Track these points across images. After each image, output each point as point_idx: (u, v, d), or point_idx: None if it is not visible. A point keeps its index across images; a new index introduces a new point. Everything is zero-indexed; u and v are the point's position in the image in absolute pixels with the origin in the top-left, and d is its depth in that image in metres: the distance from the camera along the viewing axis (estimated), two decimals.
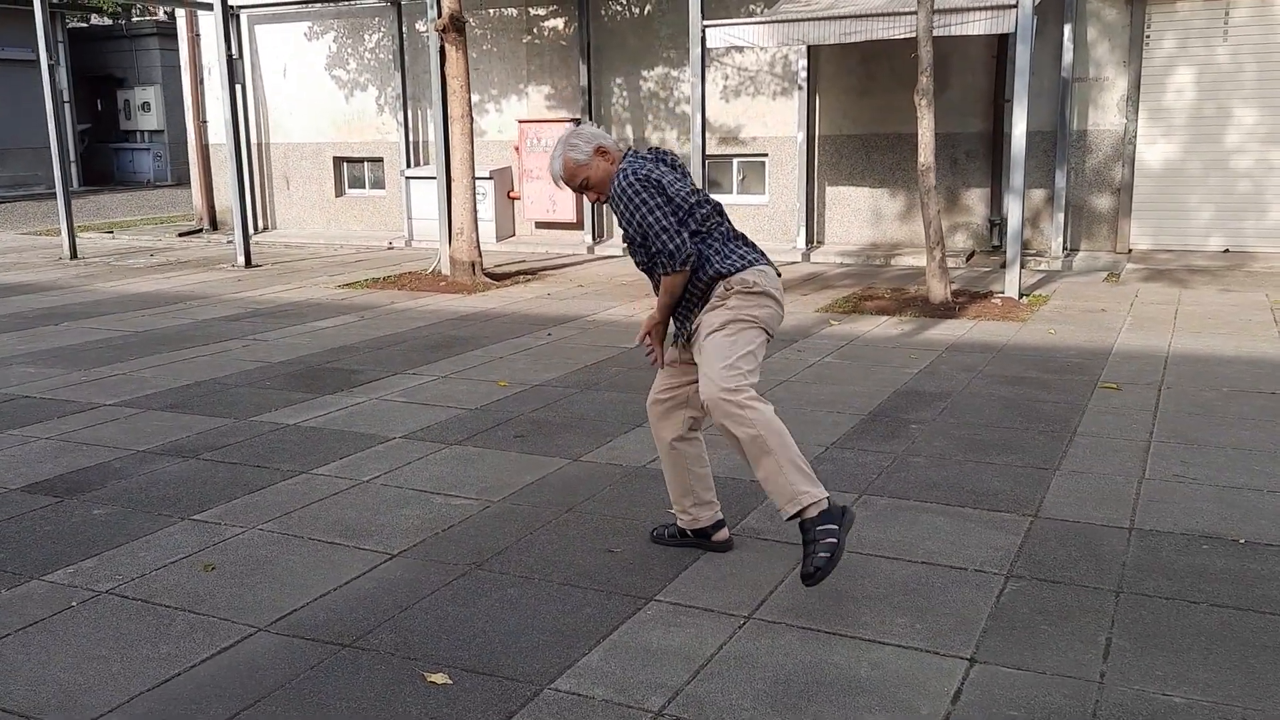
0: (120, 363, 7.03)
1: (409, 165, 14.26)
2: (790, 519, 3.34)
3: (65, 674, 2.97)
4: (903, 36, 8.90)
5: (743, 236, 3.59)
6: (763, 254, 3.56)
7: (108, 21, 27.51)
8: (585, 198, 3.66)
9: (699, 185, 3.51)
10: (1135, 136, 10.95)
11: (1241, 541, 3.78)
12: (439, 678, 2.93)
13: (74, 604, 3.41)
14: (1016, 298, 8.79)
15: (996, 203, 11.49)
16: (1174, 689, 2.81)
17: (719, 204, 3.58)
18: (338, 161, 15.11)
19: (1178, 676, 2.87)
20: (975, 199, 11.64)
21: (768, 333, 3.49)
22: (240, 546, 3.87)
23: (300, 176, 15.30)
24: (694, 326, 3.50)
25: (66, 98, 23.19)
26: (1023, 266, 9.22)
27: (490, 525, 4.08)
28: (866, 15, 8.99)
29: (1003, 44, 10.98)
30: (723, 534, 3.79)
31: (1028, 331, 7.59)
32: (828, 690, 2.85)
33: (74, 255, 12.93)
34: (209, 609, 3.37)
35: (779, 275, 3.55)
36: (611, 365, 6.81)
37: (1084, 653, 3.01)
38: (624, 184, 3.41)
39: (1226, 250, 10.70)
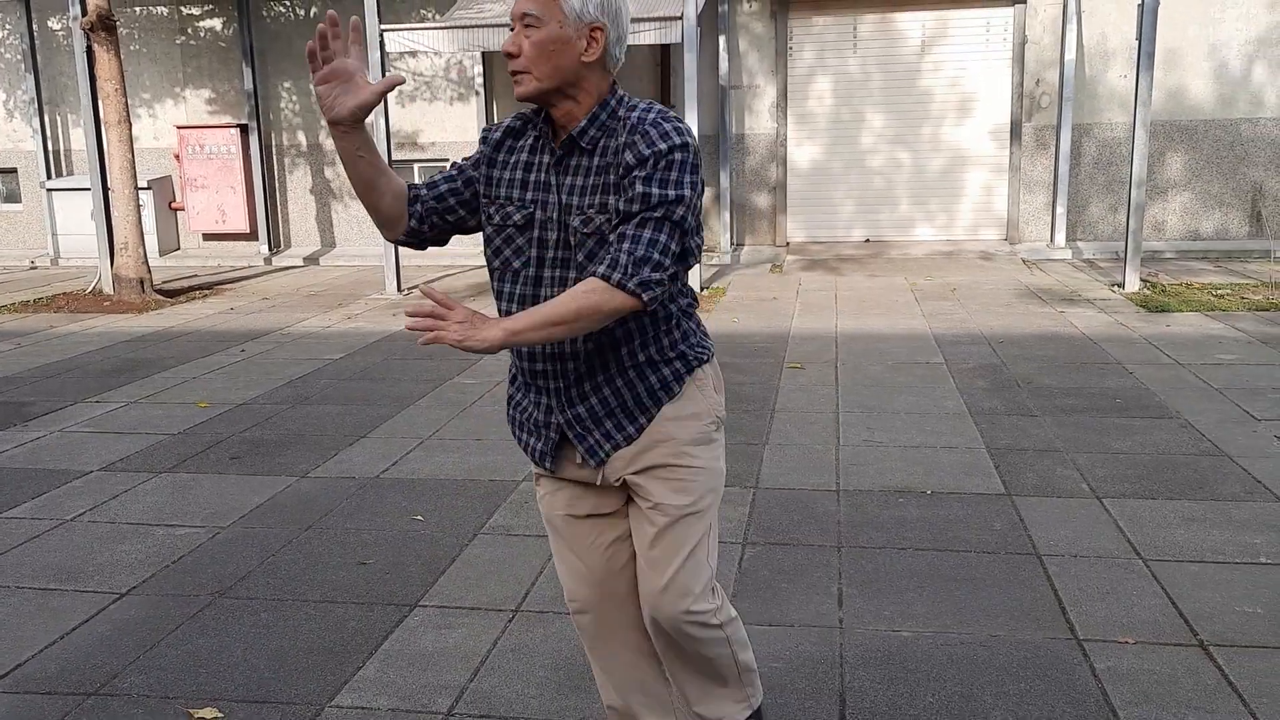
0: None
1: (50, 176, 12.95)
2: None
3: None
4: None
5: None
6: None
7: None
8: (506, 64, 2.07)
9: None
10: (786, 139, 11.98)
11: (929, 493, 4.33)
12: (208, 712, 2.78)
13: None
14: (699, 290, 9.38)
15: None
16: (901, 625, 3.20)
17: None
18: None
19: (901, 614, 3.27)
20: None
21: None
22: None
23: None
24: (610, 451, 2.14)
25: None
26: (699, 261, 9.86)
27: (225, 552, 3.88)
28: None
29: (665, 53, 11.65)
30: None
31: (716, 321, 8.14)
32: None
33: None
34: None
35: None
36: (319, 378, 6.60)
37: (821, 604, 3.36)
38: (685, 139, 2.02)
39: (868, 240, 11.96)
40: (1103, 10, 11.05)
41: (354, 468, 4.82)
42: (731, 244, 11.99)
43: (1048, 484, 4.38)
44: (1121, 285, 9.02)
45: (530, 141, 2.14)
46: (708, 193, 11.95)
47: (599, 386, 2.13)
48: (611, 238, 2.01)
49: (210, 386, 6.45)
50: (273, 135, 12.73)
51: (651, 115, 2.05)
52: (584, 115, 2.06)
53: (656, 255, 1.98)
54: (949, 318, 7.98)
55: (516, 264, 2.13)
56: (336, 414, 5.73)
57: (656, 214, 1.99)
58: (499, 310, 2.17)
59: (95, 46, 9.49)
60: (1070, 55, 10.98)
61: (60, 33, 12.79)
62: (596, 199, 2.04)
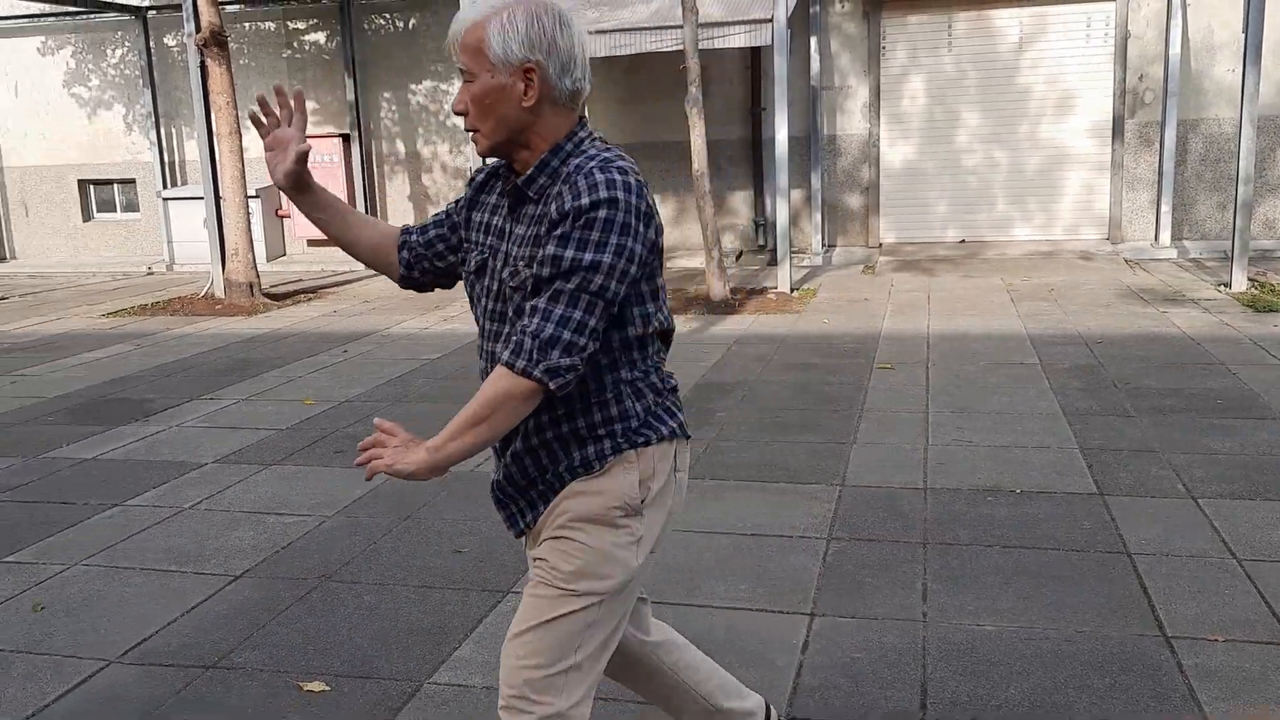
0: None
1: (166, 186, 13.56)
2: None
3: None
4: (671, 49, 9.35)
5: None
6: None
7: None
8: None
9: None
10: (879, 140, 11.91)
11: (1018, 491, 4.31)
12: (316, 686, 2.95)
13: None
14: (789, 291, 9.40)
15: (759, 204, 12.20)
16: (985, 620, 3.22)
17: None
18: (83, 184, 14.17)
19: (986, 609, 3.29)
20: (740, 201, 12.31)
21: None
22: (66, 584, 3.71)
23: (40, 201, 14.23)
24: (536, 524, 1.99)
25: None
26: (792, 263, 9.86)
27: (330, 539, 4.08)
28: (636, 29, 9.38)
29: (755, 56, 11.69)
30: None
31: (805, 322, 8.16)
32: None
33: None
34: (48, 648, 3.23)
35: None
36: (417, 377, 6.83)
37: (906, 598, 3.39)
38: (615, 194, 1.78)
39: (963, 241, 11.81)
40: (1208, 3, 10.74)
41: None
42: (823, 245, 11.96)
43: (1141, 484, 4.32)
44: (1228, 285, 8.77)
45: (501, 185, 1.99)
46: (797, 194, 11.95)
47: (519, 455, 1.94)
48: (527, 307, 1.80)
49: (316, 384, 6.72)
50: (373, 144, 13.14)
51: (591, 164, 1.81)
52: (535, 162, 1.88)
53: (567, 335, 1.75)
54: (1045, 318, 7.87)
55: (475, 312, 2.01)
56: (434, 411, 5.93)
57: (570, 284, 1.76)
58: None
59: (208, 61, 9.94)
60: (1175, 50, 10.70)
61: (175, 49, 13.40)
62: (527, 251, 1.85)
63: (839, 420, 5.44)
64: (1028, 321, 7.78)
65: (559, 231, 1.77)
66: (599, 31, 9.48)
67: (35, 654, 3.20)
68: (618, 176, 1.79)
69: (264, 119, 1.99)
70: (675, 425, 1.97)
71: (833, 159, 11.99)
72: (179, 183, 13.65)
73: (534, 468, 1.93)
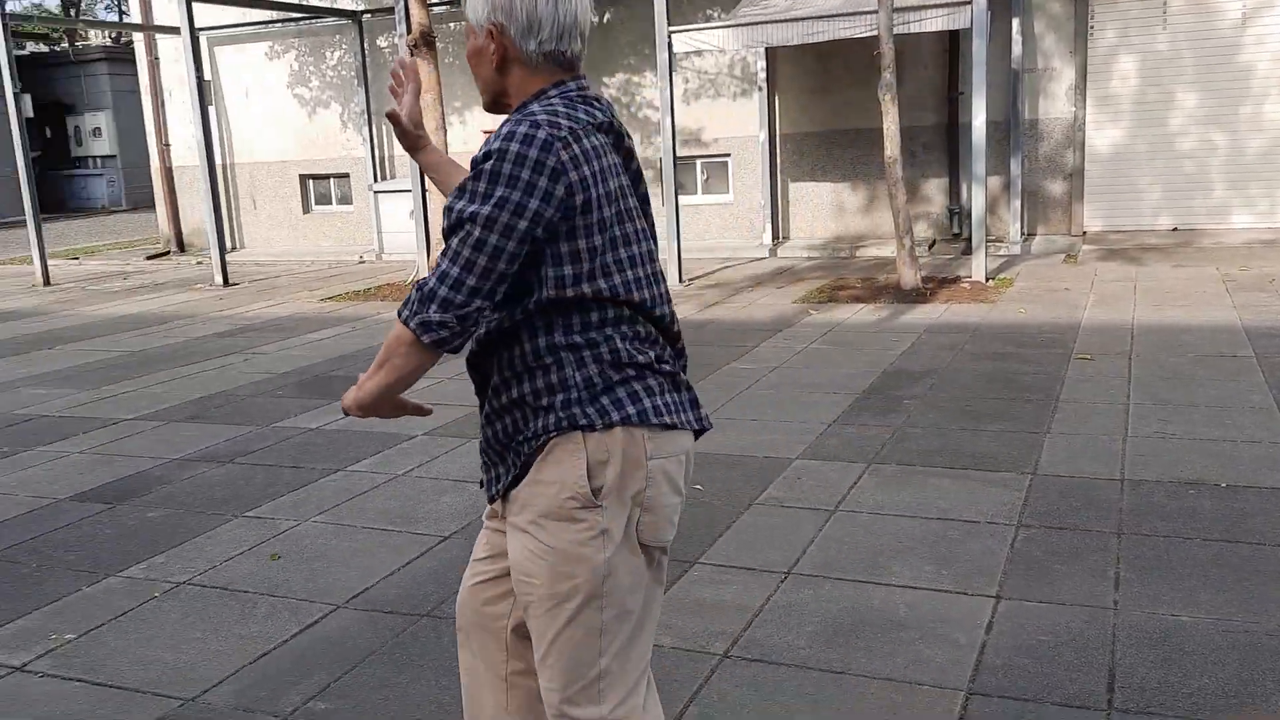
0: (126, 381, 7.17)
1: (376, 180, 14.41)
2: None
3: (168, 654, 3.19)
4: (863, 35, 9.28)
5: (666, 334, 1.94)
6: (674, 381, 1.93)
7: (51, 49, 27.27)
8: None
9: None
10: (1084, 123, 11.42)
11: (1224, 485, 4.14)
12: None
13: (156, 595, 3.62)
14: (984, 281, 9.19)
15: (954, 192, 11.92)
16: (1181, 610, 3.14)
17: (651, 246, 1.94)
18: (303, 179, 15.22)
19: (1183, 600, 3.21)
20: (934, 189, 12.06)
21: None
22: (299, 537, 4.10)
23: (266, 195, 15.39)
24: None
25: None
26: (986, 252, 9.62)
27: None
28: (828, 16, 9.36)
29: (953, 39, 11.42)
30: None
31: (999, 312, 7.97)
32: (872, 628, 3.15)
33: (46, 282, 12.93)
34: (286, 592, 3.60)
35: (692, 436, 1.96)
36: None
37: (1096, 585, 3.34)
38: (505, 145, 1.74)
39: (1175, 229, 11.20)
40: None
41: None
42: (1021, 234, 11.59)
43: None
44: None
45: None
46: (995, 181, 11.61)
47: (489, 418, 1.92)
48: None
49: None
50: None
51: (516, 116, 1.80)
52: None
53: (443, 290, 1.71)
54: (1264, 310, 7.41)
55: None
56: None
57: (454, 238, 1.72)
58: None
59: (417, 61, 10.52)
60: None
61: (387, 50, 14.21)
62: None
63: (1032, 410, 5.33)
64: (1243, 313, 7.35)
65: (459, 184, 1.78)
66: (791, 20, 9.50)
67: (274, 596, 3.57)
68: (520, 129, 1.73)
69: (397, 88, 2.15)
70: (643, 409, 1.83)
71: (1034, 144, 11.58)
72: (388, 177, 14.48)
73: (502, 433, 1.89)
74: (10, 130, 22.93)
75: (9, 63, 12.70)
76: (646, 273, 1.88)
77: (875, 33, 8.79)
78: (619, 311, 1.83)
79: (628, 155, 1.90)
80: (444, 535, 4.06)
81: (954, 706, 2.70)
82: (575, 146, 1.76)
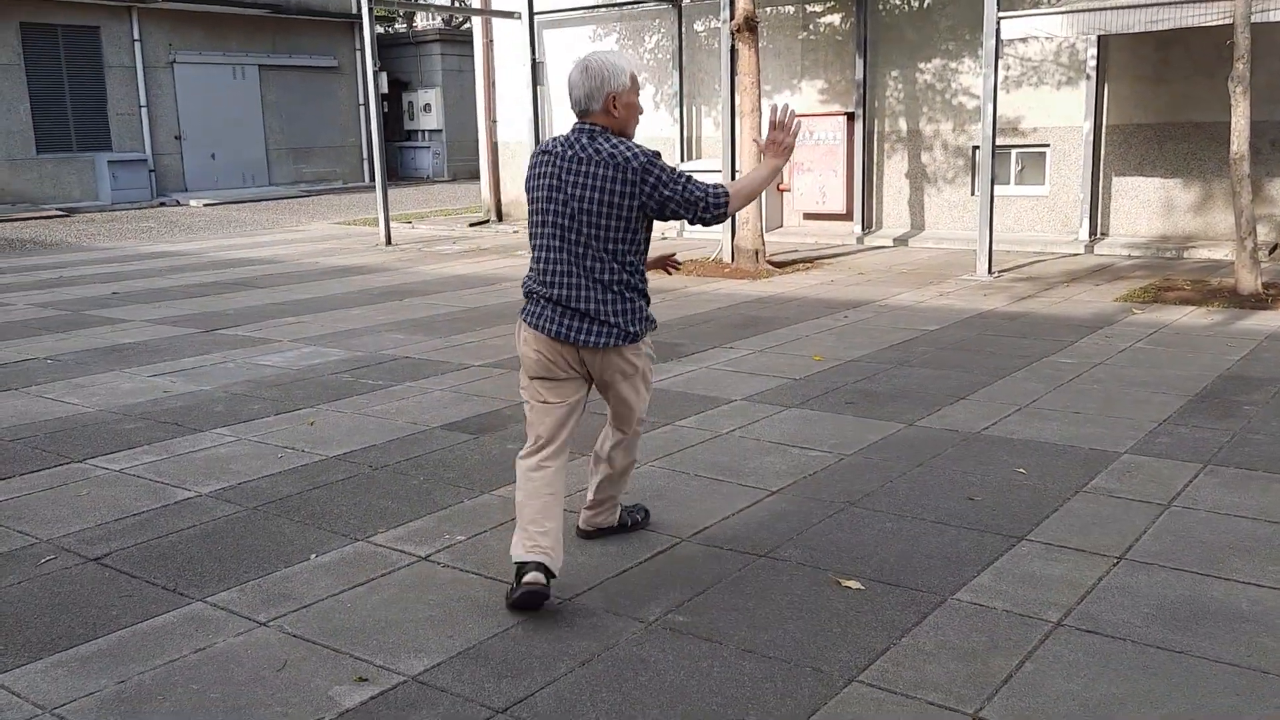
0: (470, 332, 7.97)
1: (683, 159, 14.97)
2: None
3: (569, 556, 3.66)
4: (1214, 23, 8.74)
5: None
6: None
7: (387, 29, 29.93)
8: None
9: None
10: None
11: None
12: (853, 583, 3.42)
13: None
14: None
15: None
16: None
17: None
18: None
19: None
20: None
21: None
22: (640, 477, 4.51)
23: None
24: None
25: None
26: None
27: (850, 474, 4.55)
28: (1176, 2, 8.88)
29: None
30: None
31: None
32: (1212, 617, 3.15)
33: (389, 242, 14.39)
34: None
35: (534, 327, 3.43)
36: (917, 344, 7.15)
37: None
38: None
39: None
40: None
41: (956, 423, 5.27)
42: None
43: None
44: None
45: None
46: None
47: None
48: None
49: (822, 344, 7.28)
50: (875, 122, 13.55)
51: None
52: None
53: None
54: None
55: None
56: (936, 376, 6.23)
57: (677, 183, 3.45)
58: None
59: (738, 45, 10.88)
60: None
61: (703, 34, 14.71)
62: None
63: None
64: None
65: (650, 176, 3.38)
66: (1132, 6, 9.09)
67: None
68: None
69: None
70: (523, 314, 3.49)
71: None
72: (695, 156, 15.00)
73: None
74: (357, 104, 25.59)
75: (371, 43, 14.17)
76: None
77: (1229, 21, 8.27)
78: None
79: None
80: (771, 490, 4.35)
81: None
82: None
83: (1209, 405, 5.44)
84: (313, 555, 3.77)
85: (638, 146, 3.32)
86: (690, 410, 5.62)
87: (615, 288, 3.37)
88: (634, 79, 3.35)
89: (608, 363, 3.44)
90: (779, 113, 3.38)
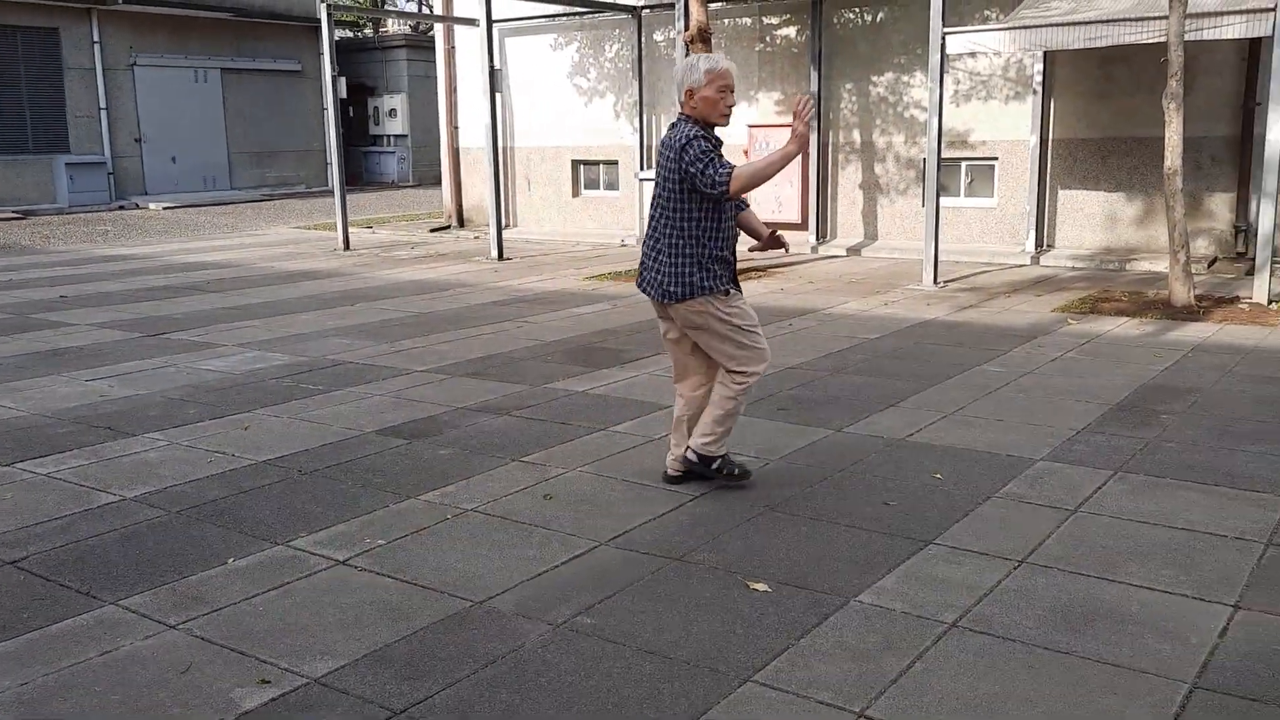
0: (418, 338, 8.01)
1: (642, 168, 15.06)
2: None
3: (460, 564, 3.72)
4: (1151, 41, 8.94)
5: None
6: None
7: (355, 34, 29.85)
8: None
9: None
10: None
11: None
12: (760, 586, 3.50)
13: (448, 517, 4.19)
14: (1265, 303, 8.68)
15: (1242, 208, 11.23)
16: None
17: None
18: (575, 164, 16.11)
19: None
20: (1219, 204, 11.40)
21: None
22: (567, 483, 4.58)
23: (540, 178, 16.39)
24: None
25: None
26: (1272, 274, 9.06)
27: (774, 479, 4.64)
28: (1113, 20, 9.08)
29: (1254, 47, 10.74)
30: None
31: (1279, 336, 7.55)
32: (1103, 619, 3.26)
33: (347, 247, 14.39)
34: (556, 527, 4.07)
35: None
36: (855, 353, 7.26)
37: None
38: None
39: None
40: None
41: (882, 429, 5.38)
42: None
43: None
44: None
45: None
46: None
47: None
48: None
49: None
50: (830, 133, 13.71)
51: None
52: None
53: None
54: None
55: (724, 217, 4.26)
56: (869, 384, 6.34)
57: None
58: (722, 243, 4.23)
59: (692, 55, 10.98)
60: None
61: (662, 44, 14.82)
62: None
63: None
64: None
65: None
66: (1073, 23, 9.28)
67: (546, 529, 4.05)
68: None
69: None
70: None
71: None
72: (653, 165, 15.09)
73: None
74: (321, 108, 25.49)
75: (330, 47, 14.18)
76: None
77: (1164, 39, 8.47)
78: None
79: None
80: (695, 495, 4.42)
81: (1175, 695, 2.80)
82: None
83: (1128, 414, 5.58)
84: (231, 559, 3.81)
85: (694, 131, 3.98)
86: (627, 415, 5.69)
87: (669, 251, 4.10)
88: (712, 75, 3.98)
89: (677, 314, 4.20)
90: (800, 103, 3.84)
